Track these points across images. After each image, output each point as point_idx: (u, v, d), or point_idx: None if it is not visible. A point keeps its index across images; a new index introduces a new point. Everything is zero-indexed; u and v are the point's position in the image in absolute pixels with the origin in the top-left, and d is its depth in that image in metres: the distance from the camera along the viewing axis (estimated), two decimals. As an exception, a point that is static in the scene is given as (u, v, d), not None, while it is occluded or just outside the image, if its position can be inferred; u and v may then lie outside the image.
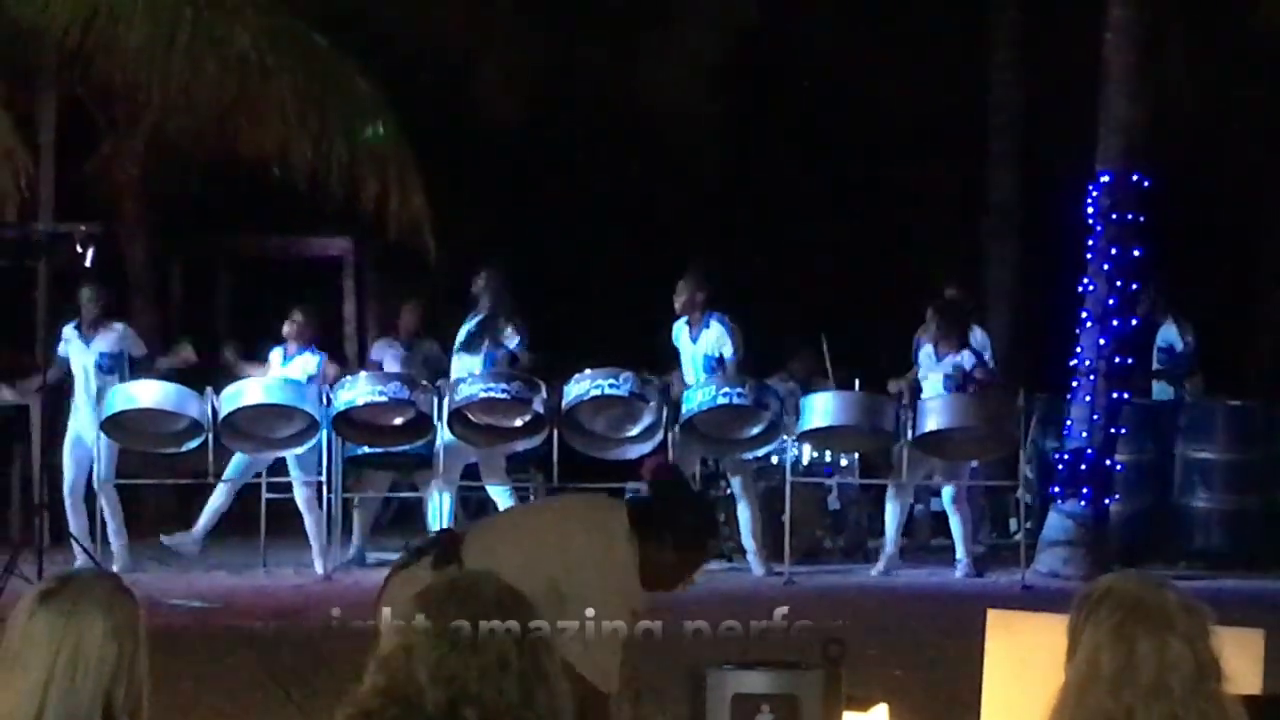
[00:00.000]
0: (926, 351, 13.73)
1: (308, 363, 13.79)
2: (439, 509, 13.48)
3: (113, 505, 13.54)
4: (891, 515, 13.62)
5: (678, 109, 18.02)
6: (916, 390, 13.57)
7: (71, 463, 13.49)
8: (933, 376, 13.59)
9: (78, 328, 13.59)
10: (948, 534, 14.13)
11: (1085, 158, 13.86)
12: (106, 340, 13.63)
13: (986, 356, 13.88)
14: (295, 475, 13.62)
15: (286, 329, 13.86)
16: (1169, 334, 14.88)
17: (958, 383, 13.53)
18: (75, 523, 13.34)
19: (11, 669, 3.45)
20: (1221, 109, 18.28)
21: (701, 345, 13.64)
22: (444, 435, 13.38)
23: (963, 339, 13.73)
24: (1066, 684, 3.32)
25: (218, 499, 13.72)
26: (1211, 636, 3.30)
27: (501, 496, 13.77)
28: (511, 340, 13.81)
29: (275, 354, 13.91)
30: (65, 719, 3.42)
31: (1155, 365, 14.87)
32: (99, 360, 13.56)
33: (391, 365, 14.13)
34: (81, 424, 13.56)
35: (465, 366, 13.77)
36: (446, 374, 13.81)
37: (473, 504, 14.67)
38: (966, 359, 13.58)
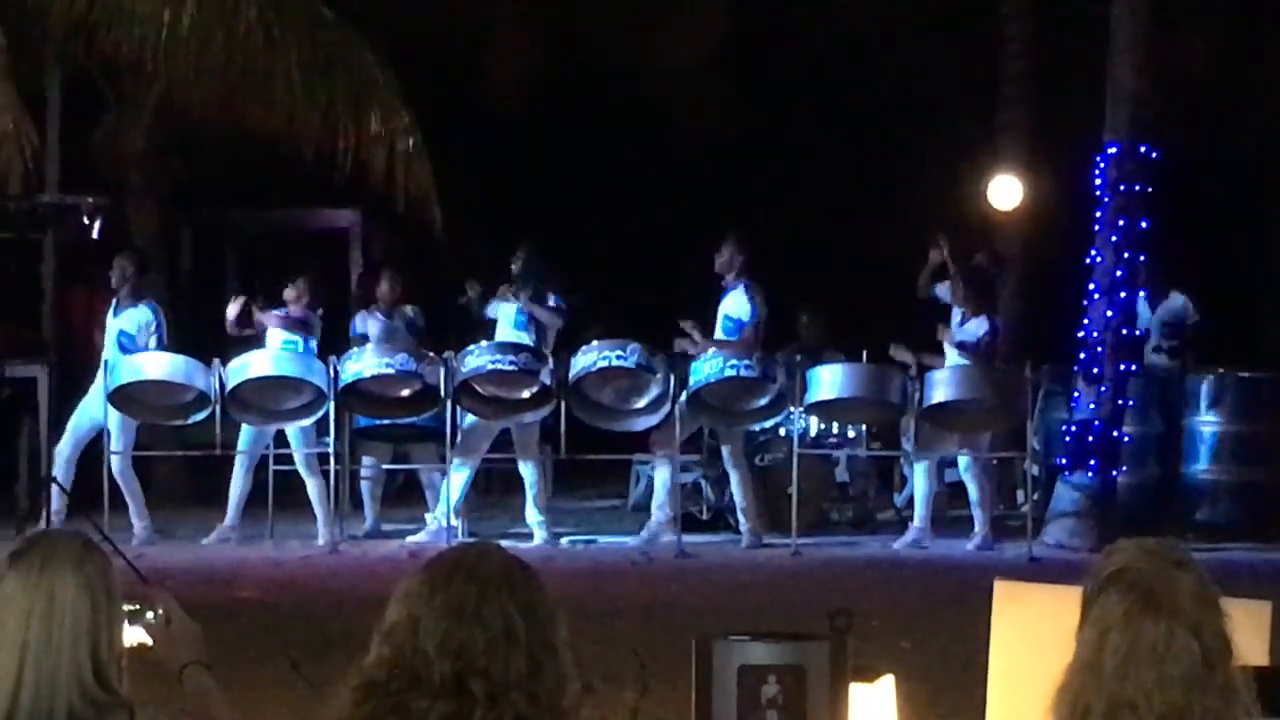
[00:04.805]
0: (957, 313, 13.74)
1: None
2: (464, 485, 13.51)
3: (131, 487, 13.45)
4: (920, 487, 13.57)
5: (683, 78, 17.97)
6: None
7: (69, 429, 13.41)
8: (948, 340, 13.59)
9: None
10: (965, 505, 14.09)
11: (1093, 129, 13.82)
12: (131, 318, 13.59)
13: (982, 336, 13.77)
14: (295, 443, 13.62)
15: (287, 293, 13.87)
16: (1174, 306, 14.83)
17: (972, 349, 13.52)
18: (61, 472, 13.13)
19: (-10, 631, 3.48)
20: (1233, 78, 18.21)
21: (724, 308, 13.64)
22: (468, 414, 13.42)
23: (980, 306, 13.67)
24: (1074, 663, 3.30)
25: (239, 479, 13.63)
26: (1223, 621, 3.27)
27: (529, 473, 13.71)
28: (549, 300, 13.82)
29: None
30: (45, 675, 3.45)
31: (1158, 340, 14.79)
32: (119, 336, 13.54)
33: (376, 333, 14.09)
34: (89, 397, 13.53)
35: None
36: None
37: (495, 476, 14.71)
38: (980, 326, 13.53)
